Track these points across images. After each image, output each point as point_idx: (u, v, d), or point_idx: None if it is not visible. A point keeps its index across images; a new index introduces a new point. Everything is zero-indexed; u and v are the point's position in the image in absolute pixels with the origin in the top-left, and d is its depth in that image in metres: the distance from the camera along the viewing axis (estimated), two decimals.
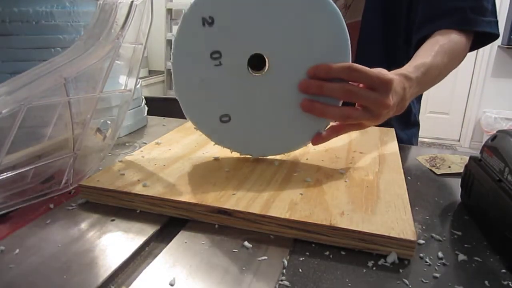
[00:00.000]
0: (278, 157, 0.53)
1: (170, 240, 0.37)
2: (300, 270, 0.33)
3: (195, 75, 0.44)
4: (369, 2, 0.72)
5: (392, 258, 0.34)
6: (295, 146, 0.50)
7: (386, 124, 0.70)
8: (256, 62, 0.45)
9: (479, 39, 0.66)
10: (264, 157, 0.51)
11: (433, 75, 0.56)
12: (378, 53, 0.75)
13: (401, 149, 0.58)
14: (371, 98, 0.44)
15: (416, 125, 0.85)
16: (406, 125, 0.82)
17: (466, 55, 0.66)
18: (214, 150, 0.55)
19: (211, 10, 0.42)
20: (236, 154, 0.51)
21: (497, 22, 0.65)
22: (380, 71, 0.43)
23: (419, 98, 0.85)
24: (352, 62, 0.44)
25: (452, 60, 0.60)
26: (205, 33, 0.43)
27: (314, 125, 0.47)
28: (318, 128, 0.48)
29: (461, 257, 0.35)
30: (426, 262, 0.35)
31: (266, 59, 0.44)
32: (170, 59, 0.44)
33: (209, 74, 0.44)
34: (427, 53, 0.57)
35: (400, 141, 0.64)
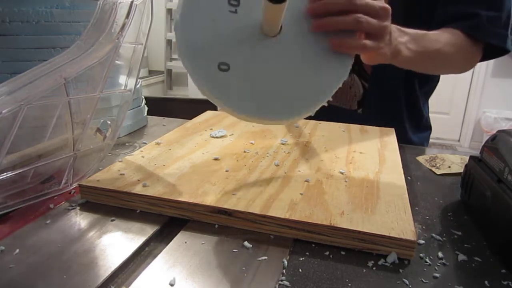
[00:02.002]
0: (278, 156, 0.53)
1: (170, 240, 0.37)
2: (300, 270, 0.33)
3: (205, 15, 0.42)
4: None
5: (392, 258, 0.34)
6: (295, 113, 0.46)
7: (399, 127, 0.71)
8: None
9: (490, 51, 0.66)
10: (267, 124, 0.47)
11: (431, 44, 0.57)
12: None
13: (401, 149, 0.58)
14: (377, 24, 0.44)
15: (428, 128, 0.86)
16: (418, 128, 0.82)
17: (472, 60, 0.66)
18: (214, 150, 0.55)
19: None
20: (235, 154, 0.51)
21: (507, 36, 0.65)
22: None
23: (427, 99, 0.85)
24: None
25: (454, 49, 0.61)
26: None
27: (318, 93, 0.45)
28: (321, 97, 0.45)
29: (461, 257, 0.35)
30: (426, 262, 0.35)
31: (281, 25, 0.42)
32: None
33: (221, 17, 0.42)
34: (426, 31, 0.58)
35: (412, 144, 0.64)
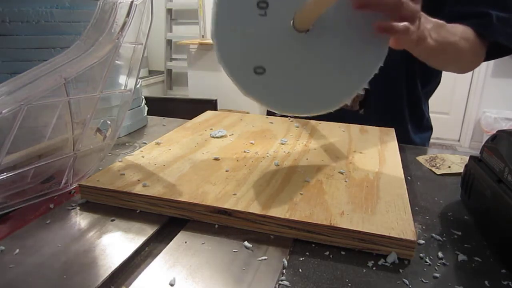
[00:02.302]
0: (278, 156, 0.53)
1: (170, 240, 0.37)
2: (300, 270, 0.33)
3: (237, 21, 0.43)
4: None
5: (392, 258, 0.34)
6: (334, 103, 0.47)
7: (401, 127, 0.71)
8: None
9: (496, 50, 0.66)
10: (296, 116, 0.50)
11: (448, 36, 0.56)
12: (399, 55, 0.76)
13: (401, 149, 0.58)
14: (413, 7, 0.43)
15: (430, 129, 0.85)
16: (419, 129, 0.82)
17: (478, 60, 0.65)
18: (214, 150, 0.55)
19: None
20: (235, 154, 0.51)
21: None
22: None
23: (427, 99, 0.85)
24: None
25: (467, 44, 0.60)
26: None
27: (353, 85, 0.46)
28: (356, 88, 0.46)
29: (461, 257, 0.35)
30: (426, 262, 0.35)
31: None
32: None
33: (251, 23, 0.42)
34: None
35: (413, 144, 0.64)
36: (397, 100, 0.77)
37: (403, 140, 0.67)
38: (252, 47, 0.44)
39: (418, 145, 0.79)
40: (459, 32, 0.59)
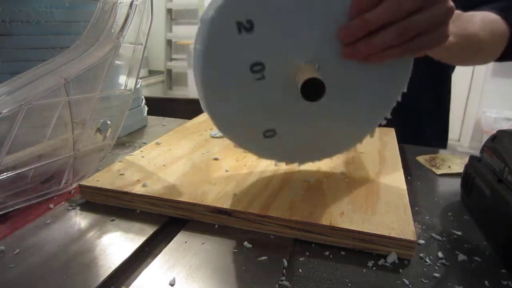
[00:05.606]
0: None
1: (170, 240, 0.37)
2: (300, 270, 0.33)
3: (232, 91, 0.37)
4: None
5: (392, 258, 0.34)
6: (344, 148, 0.46)
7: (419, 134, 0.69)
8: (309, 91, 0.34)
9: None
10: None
11: (467, 27, 0.50)
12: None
13: (401, 149, 0.58)
14: (432, 15, 0.33)
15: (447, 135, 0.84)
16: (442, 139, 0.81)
17: (498, 50, 0.60)
18: (214, 150, 0.55)
19: (247, 12, 0.33)
20: (235, 154, 0.51)
21: None
22: None
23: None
24: None
25: (488, 34, 0.54)
26: (242, 42, 0.34)
27: (365, 129, 0.43)
28: (375, 125, 0.43)
29: (461, 257, 0.35)
30: (426, 262, 0.35)
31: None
32: (196, 72, 0.37)
33: (249, 89, 0.37)
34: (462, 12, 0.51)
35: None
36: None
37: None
38: (257, 114, 0.39)
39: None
40: (478, 20, 0.53)
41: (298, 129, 0.41)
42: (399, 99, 0.40)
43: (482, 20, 0.54)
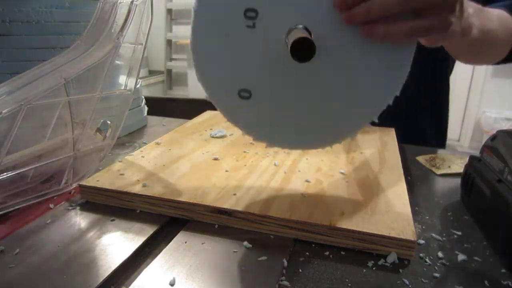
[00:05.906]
0: (278, 156, 0.53)
1: (170, 240, 0.37)
2: (300, 270, 0.33)
3: (220, 36, 0.35)
4: None
5: (392, 258, 0.34)
6: (332, 140, 0.40)
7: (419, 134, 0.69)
8: (301, 51, 0.31)
9: None
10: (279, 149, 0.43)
11: (487, 23, 0.47)
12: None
13: (401, 149, 0.58)
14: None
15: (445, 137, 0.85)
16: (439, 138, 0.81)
17: (509, 45, 0.56)
18: (214, 150, 0.55)
19: None
20: (235, 154, 0.51)
21: None
22: None
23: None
24: None
25: (504, 32, 0.51)
26: None
27: (358, 120, 0.38)
28: (369, 119, 0.38)
29: (461, 257, 0.35)
30: (426, 262, 0.35)
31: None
32: (193, 13, 0.35)
33: (237, 38, 0.35)
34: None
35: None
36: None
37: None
38: (237, 66, 0.36)
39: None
40: (495, 16, 0.50)
41: (275, 98, 0.37)
42: (390, 102, 0.37)
43: (499, 17, 0.52)
